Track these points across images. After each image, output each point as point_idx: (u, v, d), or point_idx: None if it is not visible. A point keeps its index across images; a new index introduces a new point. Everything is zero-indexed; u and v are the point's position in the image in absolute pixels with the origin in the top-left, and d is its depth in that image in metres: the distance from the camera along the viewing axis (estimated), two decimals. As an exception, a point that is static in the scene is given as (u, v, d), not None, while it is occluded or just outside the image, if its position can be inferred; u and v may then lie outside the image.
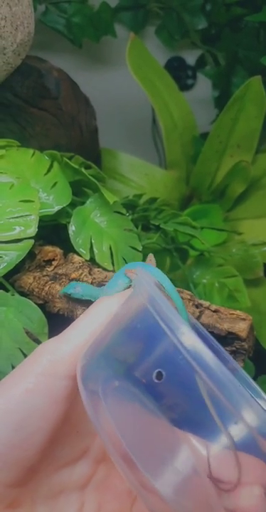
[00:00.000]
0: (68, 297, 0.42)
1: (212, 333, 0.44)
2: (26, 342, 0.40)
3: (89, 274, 0.45)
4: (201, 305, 0.44)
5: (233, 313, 0.44)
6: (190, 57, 0.93)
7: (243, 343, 0.44)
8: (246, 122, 0.68)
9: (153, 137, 0.92)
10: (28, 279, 0.44)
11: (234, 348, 0.45)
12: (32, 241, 0.40)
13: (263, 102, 0.66)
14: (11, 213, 0.40)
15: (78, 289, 0.41)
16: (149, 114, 0.89)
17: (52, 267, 0.45)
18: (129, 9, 0.83)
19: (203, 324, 0.44)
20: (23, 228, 0.40)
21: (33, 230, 0.40)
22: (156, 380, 0.22)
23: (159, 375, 0.23)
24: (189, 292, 0.45)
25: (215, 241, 0.74)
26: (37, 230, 0.40)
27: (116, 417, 0.23)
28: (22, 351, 0.40)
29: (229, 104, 0.68)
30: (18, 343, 0.40)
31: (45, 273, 0.44)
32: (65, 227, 0.48)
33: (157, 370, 0.22)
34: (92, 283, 0.44)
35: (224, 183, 0.77)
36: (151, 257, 0.43)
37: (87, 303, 0.43)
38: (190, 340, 0.21)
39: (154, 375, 0.23)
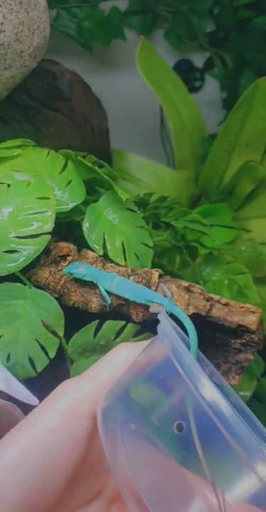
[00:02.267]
0: (70, 276, 0.44)
1: (222, 325, 0.45)
2: (43, 333, 0.42)
3: (103, 268, 0.46)
4: (212, 298, 0.45)
5: (243, 307, 0.45)
6: (198, 60, 0.95)
7: (253, 336, 0.45)
8: (254, 122, 0.69)
9: (162, 138, 0.94)
10: (44, 274, 0.46)
11: (244, 341, 0.46)
12: (49, 236, 0.42)
13: (271, 102, 0.67)
14: (28, 210, 0.42)
15: (81, 269, 0.43)
16: (157, 115, 0.90)
17: (66, 262, 0.47)
18: (139, 13, 0.85)
19: (213, 317, 0.45)
20: (40, 224, 0.41)
21: (49, 226, 0.41)
22: (176, 431, 0.23)
23: (180, 426, 0.23)
24: (200, 286, 0.46)
25: (225, 239, 0.75)
26: (53, 225, 0.42)
27: (133, 461, 0.23)
28: (39, 342, 0.42)
29: (237, 105, 0.70)
30: (35, 335, 0.42)
31: (60, 268, 0.46)
32: (78, 225, 0.49)
33: (177, 422, 0.23)
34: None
35: (232, 183, 0.78)
36: (162, 286, 0.44)
37: (98, 291, 0.44)
38: (210, 392, 0.22)
39: (175, 426, 0.23)
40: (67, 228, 0.54)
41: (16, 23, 0.41)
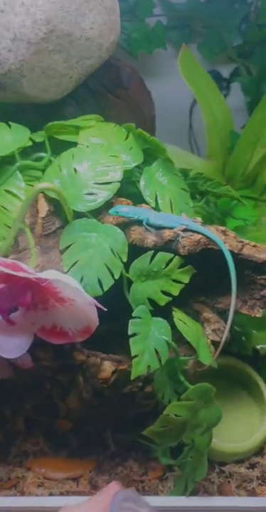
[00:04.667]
0: (116, 215, 0.55)
1: (251, 262, 0.56)
2: (111, 258, 0.53)
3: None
4: (243, 241, 0.57)
5: (268, 247, 0.57)
6: (225, 71, 1.08)
7: (276, 271, 0.56)
8: (276, 117, 0.82)
9: (189, 136, 1.07)
10: (109, 219, 0.58)
11: (268, 276, 0.57)
12: (119, 184, 0.54)
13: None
14: (103, 164, 0.55)
15: (124, 209, 0.54)
16: (186, 115, 1.04)
17: (126, 212, 0.59)
18: (177, 28, 0.99)
19: (244, 255, 0.56)
20: (112, 174, 0.54)
21: (119, 175, 0.54)
22: None
23: None
24: (233, 232, 0.58)
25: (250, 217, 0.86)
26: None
27: None
28: (107, 266, 0.53)
29: (261, 103, 0.82)
30: (104, 260, 0.53)
31: (121, 214, 0.58)
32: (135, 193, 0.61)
33: None
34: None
35: (255, 171, 0.90)
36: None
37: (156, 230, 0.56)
38: None
39: None
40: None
41: (101, 23, 0.54)
